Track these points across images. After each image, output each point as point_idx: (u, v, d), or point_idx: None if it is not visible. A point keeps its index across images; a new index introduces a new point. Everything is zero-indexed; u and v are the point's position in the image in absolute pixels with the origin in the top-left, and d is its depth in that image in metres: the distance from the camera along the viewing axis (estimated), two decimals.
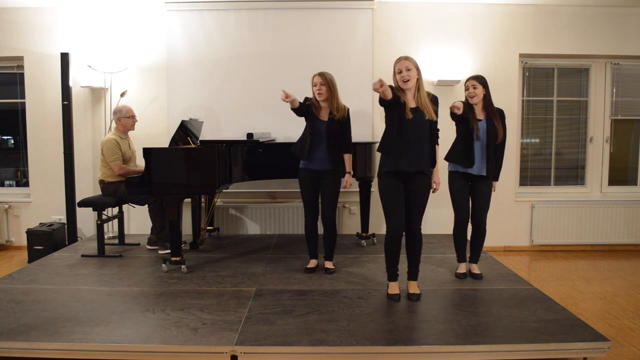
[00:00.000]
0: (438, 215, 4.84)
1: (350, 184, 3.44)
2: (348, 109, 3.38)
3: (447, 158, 3.33)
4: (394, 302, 2.88)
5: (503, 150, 3.30)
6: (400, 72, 2.78)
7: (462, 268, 3.39)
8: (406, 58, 2.80)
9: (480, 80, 3.18)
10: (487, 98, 3.21)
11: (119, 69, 4.62)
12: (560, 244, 4.88)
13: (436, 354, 2.31)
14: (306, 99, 3.38)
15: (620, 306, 3.29)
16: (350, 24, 4.61)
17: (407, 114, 2.75)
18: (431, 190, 2.96)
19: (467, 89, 3.21)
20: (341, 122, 3.33)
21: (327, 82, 3.26)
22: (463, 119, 3.15)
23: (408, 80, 2.77)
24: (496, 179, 3.32)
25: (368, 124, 4.60)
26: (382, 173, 2.87)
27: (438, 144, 2.95)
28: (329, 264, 3.50)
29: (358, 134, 4.30)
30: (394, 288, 2.98)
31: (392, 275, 2.98)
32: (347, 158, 3.41)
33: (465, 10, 4.66)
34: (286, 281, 3.28)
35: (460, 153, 3.24)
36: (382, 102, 2.73)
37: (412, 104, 2.81)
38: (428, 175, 2.89)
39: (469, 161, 3.19)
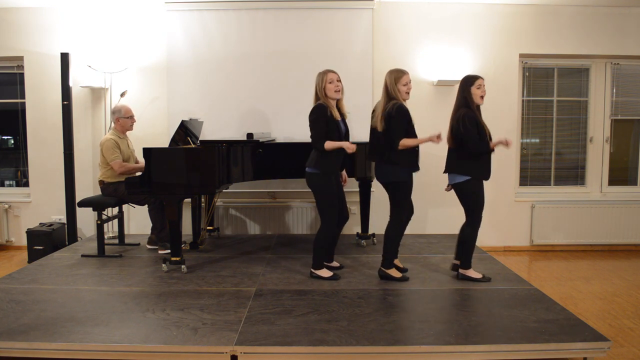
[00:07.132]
0: (438, 215, 4.84)
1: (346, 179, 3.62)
2: None
3: (471, 174, 3.10)
4: (395, 301, 2.89)
5: None
6: (406, 84, 3.13)
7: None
8: (407, 72, 3.16)
9: None
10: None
11: (119, 69, 4.62)
12: (560, 244, 4.88)
13: (436, 354, 2.31)
14: (324, 110, 3.10)
15: (620, 306, 3.29)
16: (350, 23, 4.61)
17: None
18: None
19: (479, 87, 3.08)
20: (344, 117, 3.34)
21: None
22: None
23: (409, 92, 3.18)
24: None
25: (367, 124, 4.58)
26: (407, 175, 3.18)
27: None
28: (335, 263, 3.54)
29: (358, 134, 4.29)
30: (398, 271, 3.30)
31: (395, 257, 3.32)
32: None
33: (466, 10, 4.66)
34: (286, 281, 3.28)
35: (484, 165, 3.11)
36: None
37: None
38: None
39: (490, 172, 3.15)
